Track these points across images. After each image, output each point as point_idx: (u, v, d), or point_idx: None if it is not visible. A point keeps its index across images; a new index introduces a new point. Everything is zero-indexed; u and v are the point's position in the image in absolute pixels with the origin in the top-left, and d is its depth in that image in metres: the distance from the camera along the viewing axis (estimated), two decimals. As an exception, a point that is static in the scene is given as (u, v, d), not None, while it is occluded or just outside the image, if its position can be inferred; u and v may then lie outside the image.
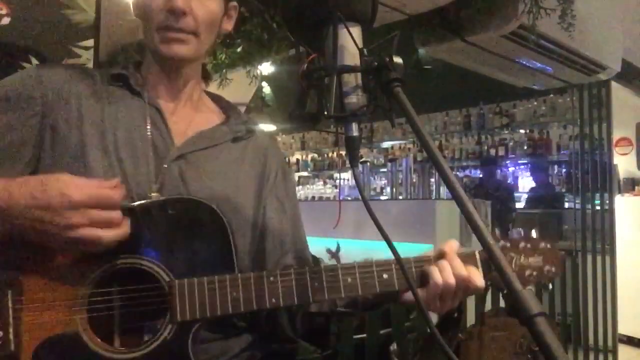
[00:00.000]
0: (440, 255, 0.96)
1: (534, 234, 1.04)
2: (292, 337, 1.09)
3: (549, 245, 1.05)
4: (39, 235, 0.80)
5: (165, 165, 0.98)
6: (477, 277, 0.94)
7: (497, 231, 1.04)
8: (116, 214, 0.81)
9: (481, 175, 6.47)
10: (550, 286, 1.05)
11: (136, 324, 0.87)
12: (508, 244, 1.02)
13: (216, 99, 1.18)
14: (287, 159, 9.31)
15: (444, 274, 0.92)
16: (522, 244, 1.02)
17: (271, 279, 0.89)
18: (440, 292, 0.92)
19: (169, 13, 0.96)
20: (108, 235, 0.80)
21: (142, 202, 0.90)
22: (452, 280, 0.92)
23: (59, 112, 0.96)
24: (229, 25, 1.10)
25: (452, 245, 0.96)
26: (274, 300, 0.88)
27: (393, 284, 0.93)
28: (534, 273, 1.02)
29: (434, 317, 1.10)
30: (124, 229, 0.82)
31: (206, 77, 1.17)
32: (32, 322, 0.82)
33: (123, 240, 0.84)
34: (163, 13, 0.96)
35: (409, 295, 0.94)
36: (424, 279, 0.94)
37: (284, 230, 1.11)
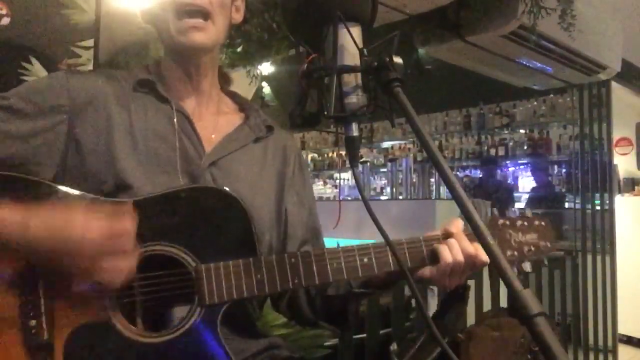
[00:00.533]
0: (448, 234, 1.00)
1: (528, 212, 1.09)
2: (312, 319, 1.12)
3: (542, 223, 1.10)
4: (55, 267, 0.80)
5: (199, 174, 1.00)
6: (483, 253, 0.96)
7: (495, 211, 1.08)
8: (129, 243, 0.80)
9: (481, 176, 6.48)
10: (546, 262, 1.11)
11: (167, 309, 0.89)
12: (507, 222, 1.07)
13: (232, 95, 1.19)
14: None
15: (453, 252, 0.97)
16: (519, 222, 1.08)
17: (292, 260, 0.92)
18: (450, 270, 0.97)
19: None
20: (122, 266, 0.80)
21: (165, 191, 0.91)
22: (460, 257, 0.97)
23: (86, 119, 0.96)
24: (238, 16, 1.11)
25: (458, 224, 1.01)
26: (296, 280, 0.92)
27: (407, 262, 0.98)
28: (532, 248, 1.07)
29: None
30: (135, 258, 0.82)
31: (225, 79, 1.18)
32: (64, 311, 0.83)
33: (148, 228, 0.86)
34: None
35: (422, 272, 0.99)
36: (434, 257, 0.98)
37: (303, 223, 1.14)
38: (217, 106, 1.12)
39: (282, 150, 1.15)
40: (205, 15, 0.99)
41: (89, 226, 0.78)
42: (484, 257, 0.97)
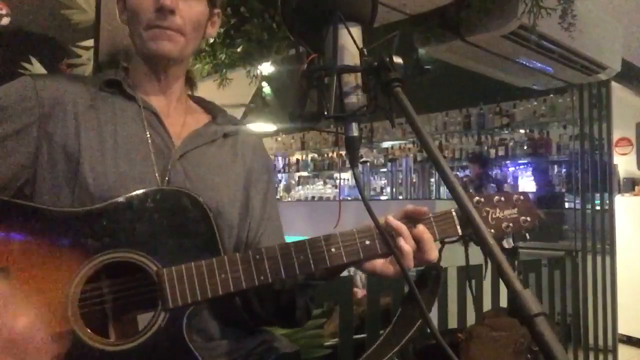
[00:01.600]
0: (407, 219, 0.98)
1: (505, 188, 1.07)
2: (264, 317, 1.10)
3: (522, 197, 1.08)
4: None
5: (170, 166, 1.00)
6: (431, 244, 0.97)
7: (470, 190, 1.07)
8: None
9: (469, 173, 6.35)
10: (528, 236, 1.08)
11: (130, 316, 0.88)
12: (482, 199, 1.05)
13: (199, 101, 1.21)
14: (287, 159, 9.31)
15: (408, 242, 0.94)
16: (496, 198, 1.05)
17: (257, 257, 0.91)
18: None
19: (157, 12, 0.98)
20: None
21: (125, 196, 0.90)
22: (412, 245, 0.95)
23: (55, 122, 0.97)
24: (212, 31, 1.13)
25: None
26: (262, 277, 0.90)
27: (375, 249, 0.96)
28: (510, 224, 1.04)
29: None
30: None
31: (191, 84, 1.20)
32: (28, 323, 0.81)
33: (109, 235, 0.86)
34: (151, 12, 0.99)
35: (368, 265, 0.98)
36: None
37: (263, 221, 1.14)
38: (185, 107, 1.14)
39: (251, 149, 1.17)
40: (179, 31, 1.01)
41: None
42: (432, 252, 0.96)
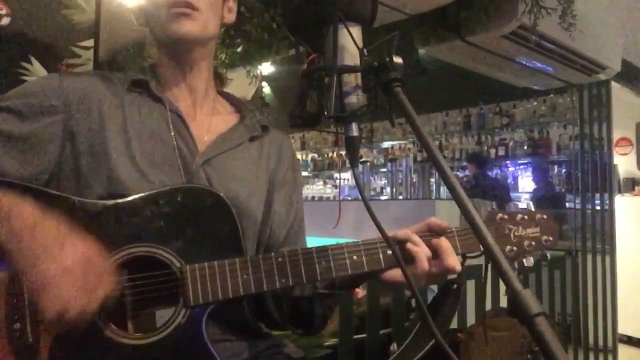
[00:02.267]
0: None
1: (530, 206, 1.07)
2: (279, 322, 1.10)
3: (545, 216, 1.08)
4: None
5: (192, 173, 0.99)
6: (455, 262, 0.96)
7: (494, 204, 1.07)
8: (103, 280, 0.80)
9: (468, 173, 6.32)
10: (549, 256, 1.07)
11: (148, 311, 0.88)
12: (506, 217, 1.05)
13: (227, 96, 1.19)
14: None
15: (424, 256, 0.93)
16: (519, 216, 1.05)
17: (279, 259, 0.90)
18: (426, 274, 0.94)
19: None
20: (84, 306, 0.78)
21: (150, 192, 0.91)
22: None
23: (80, 121, 0.97)
24: (231, 16, 1.12)
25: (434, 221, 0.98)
26: (283, 280, 0.90)
27: (396, 260, 0.95)
28: (533, 243, 1.04)
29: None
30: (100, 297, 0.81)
31: (221, 80, 1.19)
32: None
33: (134, 229, 0.86)
34: None
35: (389, 275, 0.97)
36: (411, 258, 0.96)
37: (288, 224, 1.14)
38: (212, 106, 1.12)
39: (277, 150, 1.16)
40: (193, 6, 1.00)
41: (64, 254, 0.78)
42: (455, 266, 0.95)
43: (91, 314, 0.79)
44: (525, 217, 1.06)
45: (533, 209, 1.08)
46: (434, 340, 0.97)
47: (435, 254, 0.95)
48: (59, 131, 0.96)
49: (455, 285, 1.03)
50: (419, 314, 1.09)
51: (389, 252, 0.95)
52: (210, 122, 1.09)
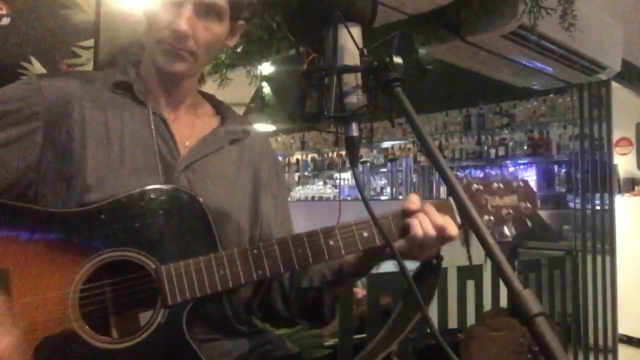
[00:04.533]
0: (409, 212, 0.98)
1: (505, 173, 1.06)
2: (287, 316, 1.10)
3: (521, 183, 1.06)
4: None
5: (174, 178, 0.99)
6: (452, 227, 0.96)
7: (467, 176, 1.05)
8: None
9: (468, 173, 6.34)
10: (530, 224, 1.06)
11: (131, 314, 0.89)
12: (481, 187, 1.03)
13: (209, 98, 1.19)
14: (287, 159, 9.30)
15: (424, 226, 0.95)
16: (495, 185, 1.04)
17: (255, 251, 0.90)
18: (420, 243, 0.95)
19: (172, 33, 0.96)
20: None
21: (122, 195, 0.90)
22: (431, 231, 0.94)
23: (61, 124, 0.96)
24: (231, 42, 1.10)
25: (415, 200, 0.99)
26: (260, 272, 0.90)
27: (374, 240, 0.95)
28: (510, 211, 1.03)
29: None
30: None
31: (201, 78, 1.18)
32: (27, 325, 0.82)
33: (108, 234, 0.86)
34: (167, 31, 0.97)
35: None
36: (404, 231, 0.96)
37: (277, 224, 1.14)
38: (194, 109, 1.11)
39: (258, 152, 1.15)
40: (193, 52, 0.99)
41: None
42: (453, 232, 0.96)
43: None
44: (502, 185, 1.04)
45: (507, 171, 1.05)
46: (407, 330, 0.97)
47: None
48: (39, 137, 0.95)
49: (435, 261, 1.02)
50: (406, 291, 1.08)
51: (365, 234, 0.95)
52: (192, 125, 1.08)
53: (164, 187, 0.94)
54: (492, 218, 1.02)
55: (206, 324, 0.98)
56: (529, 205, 1.04)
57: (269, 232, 1.11)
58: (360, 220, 0.95)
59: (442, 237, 0.96)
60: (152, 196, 0.91)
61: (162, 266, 0.87)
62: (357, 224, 0.95)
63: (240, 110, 3.47)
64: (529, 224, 1.05)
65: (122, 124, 0.99)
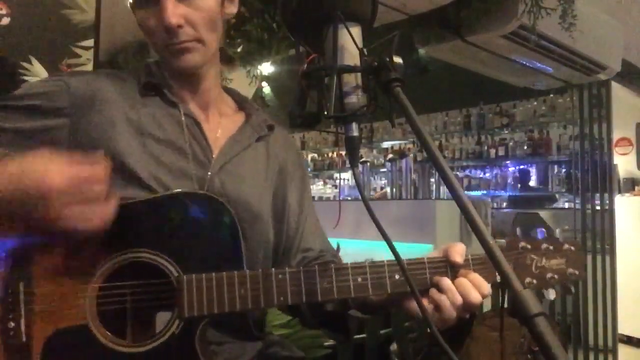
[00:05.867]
0: (452, 263, 0.91)
1: (557, 234, 1.01)
2: (314, 323, 1.10)
3: (572, 247, 1.00)
4: (24, 220, 0.79)
5: (208, 180, 0.99)
6: (481, 297, 0.90)
7: (518, 231, 1.02)
8: (99, 189, 0.78)
9: (468, 173, 6.40)
10: (573, 289, 1.00)
11: (148, 318, 0.87)
12: (529, 246, 0.98)
13: (231, 93, 1.18)
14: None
15: (456, 305, 0.88)
16: (544, 245, 0.98)
17: (279, 276, 0.87)
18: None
19: (165, 31, 0.95)
20: (95, 211, 0.78)
21: (152, 196, 0.90)
22: (463, 312, 0.89)
23: (89, 122, 0.95)
24: (232, 8, 1.07)
25: (461, 251, 0.92)
26: (282, 298, 0.87)
27: (405, 285, 0.89)
28: (555, 276, 0.98)
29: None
30: (111, 204, 0.80)
31: (229, 60, 1.16)
32: (43, 314, 0.82)
33: (133, 234, 0.85)
34: (161, 32, 0.96)
35: (414, 306, 0.91)
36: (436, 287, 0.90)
37: (303, 218, 1.13)
38: (219, 106, 1.11)
39: (282, 146, 1.16)
40: (193, 40, 0.98)
41: (54, 166, 0.76)
42: (478, 302, 0.89)
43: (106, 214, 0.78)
44: (551, 247, 0.98)
45: (559, 230, 1.01)
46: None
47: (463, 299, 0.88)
48: (65, 133, 0.95)
49: (468, 316, 0.94)
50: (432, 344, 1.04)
51: (396, 276, 0.89)
52: (220, 123, 1.08)
53: (198, 192, 0.93)
54: (534, 281, 0.97)
55: (224, 329, 0.97)
56: (576, 272, 0.99)
57: (295, 227, 1.11)
58: (393, 262, 0.89)
59: (468, 310, 0.89)
60: (184, 201, 0.89)
61: (184, 275, 0.85)
62: (390, 264, 0.90)
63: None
64: (573, 290, 0.99)
65: (155, 126, 0.99)
